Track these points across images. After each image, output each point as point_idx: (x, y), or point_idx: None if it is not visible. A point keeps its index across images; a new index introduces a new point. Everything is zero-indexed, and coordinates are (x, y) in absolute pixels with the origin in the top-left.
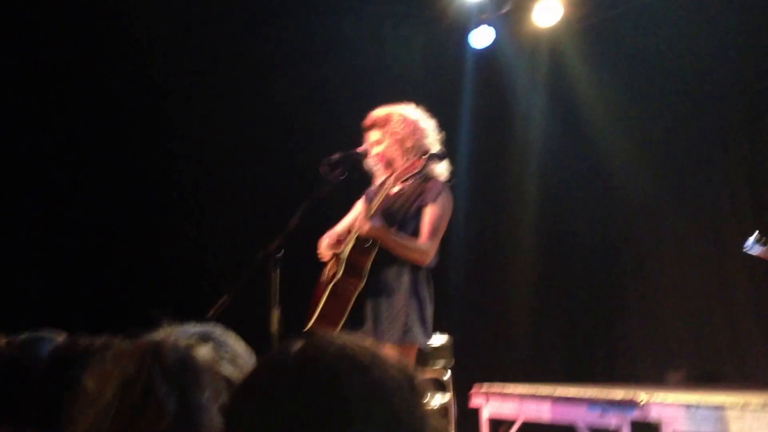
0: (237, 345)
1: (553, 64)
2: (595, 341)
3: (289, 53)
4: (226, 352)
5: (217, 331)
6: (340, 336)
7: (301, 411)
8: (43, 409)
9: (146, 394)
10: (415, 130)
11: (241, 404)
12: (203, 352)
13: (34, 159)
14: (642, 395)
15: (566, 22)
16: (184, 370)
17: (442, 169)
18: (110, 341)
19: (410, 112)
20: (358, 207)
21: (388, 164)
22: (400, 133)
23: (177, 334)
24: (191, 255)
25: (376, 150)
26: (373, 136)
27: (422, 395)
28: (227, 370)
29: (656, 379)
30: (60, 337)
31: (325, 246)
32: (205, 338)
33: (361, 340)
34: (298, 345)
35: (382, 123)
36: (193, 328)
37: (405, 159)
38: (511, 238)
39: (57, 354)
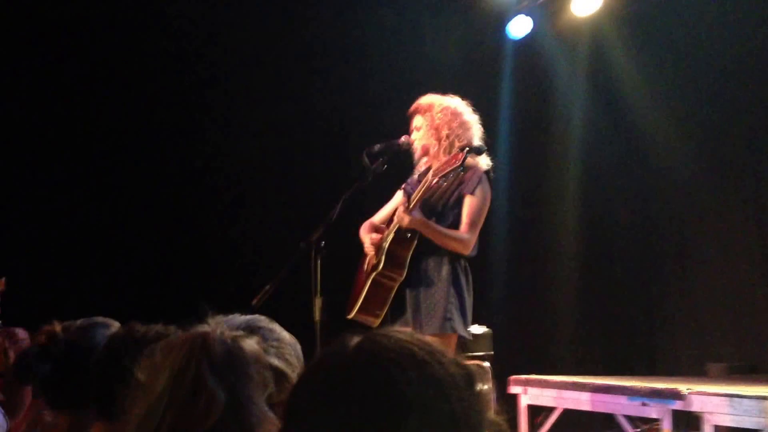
0: (283, 335)
1: (593, 53)
2: (635, 333)
3: (329, 45)
4: (272, 343)
5: (264, 321)
6: (397, 331)
7: (359, 406)
8: (102, 396)
9: (196, 385)
10: (454, 120)
11: (299, 399)
12: (250, 343)
13: (92, 150)
14: (683, 387)
15: (606, 9)
16: (231, 362)
17: (482, 160)
18: (166, 330)
19: (453, 102)
20: (398, 197)
21: (425, 151)
22: (439, 121)
23: (224, 325)
24: (236, 245)
25: (416, 136)
26: (416, 121)
27: (480, 390)
28: (274, 360)
29: (697, 371)
30: (113, 324)
31: (364, 235)
32: (251, 329)
33: (418, 336)
34: (355, 340)
35: (424, 110)
36: (239, 319)
37: (441, 147)
38: (552, 229)
39: (112, 343)
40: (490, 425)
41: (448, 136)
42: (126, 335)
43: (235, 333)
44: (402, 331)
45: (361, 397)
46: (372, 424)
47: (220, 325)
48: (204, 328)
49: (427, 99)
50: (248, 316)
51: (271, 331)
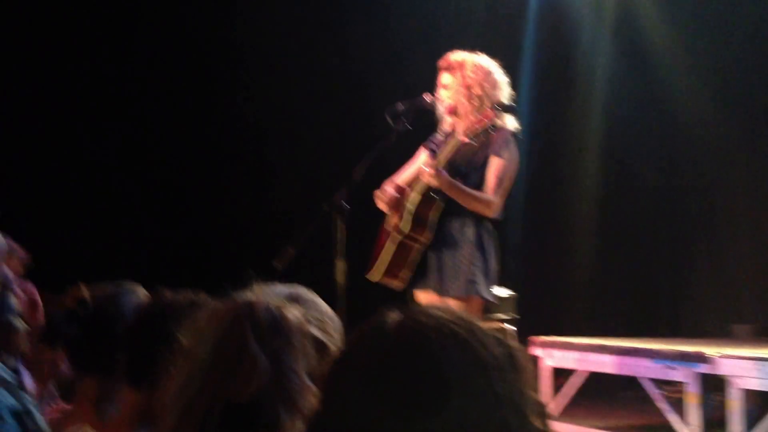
0: (324, 307)
1: (619, 8)
2: (660, 294)
3: (355, 3)
4: (314, 314)
5: (305, 292)
6: (438, 308)
7: (399, 385)
8: (132, 362)
9: (240, 352)
10: (486, 79)
11: (339, 376)
12: (294, 313)
13: (116, 117)
14: (711, 350)
15: None
16: (276, 331)
17: (510, 120)
18: (196, 297)
19: (485, 61)
20: (420, 156)
21: (452, 110)
22: (471, 80)
23: (268, 294)
24: (258, 207)
25: (444, 94)
26: (444, 78)
27: (522, 369)
28: (315, 331)
29: (723, 333)
30: (139, 289)
31: (386, 196)
32: (294, 299)
33: (459, 313)
34: (395, 317)
35: (456, 67)
36: (281, 288)
37: (471, 107)
38: (573, 189)
39: (146, 309)
40: (533, 406)
41: (479, 96)
42: (156, 302)
43: (279, 302)
44: (443, 308)
45: (402, 377)
46: (413, 405)
47: (264, 294)
48: (249, 296)
49: (458, 56)
50: (289, 286)
51: (313, 302)
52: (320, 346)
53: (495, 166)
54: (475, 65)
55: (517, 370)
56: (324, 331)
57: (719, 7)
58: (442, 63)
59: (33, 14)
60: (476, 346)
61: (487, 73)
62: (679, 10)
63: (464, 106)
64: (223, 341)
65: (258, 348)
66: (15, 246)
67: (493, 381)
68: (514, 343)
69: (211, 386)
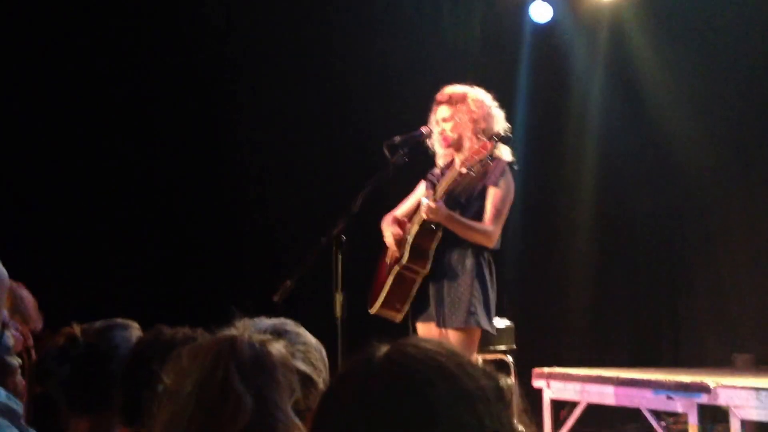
0: (309, 339)
1: (613, 39)
2: (660, 324)
3: (349, 31)
4: (299, 347)
5: (290, 324)
6: (426, 340)
7: (387, 418)
8: (127, 400)
9: (224, 390)
10: (489, 114)
11: (327, 410)
12: (277, 347)
13: (113, 149)
14: (710, 380)
15: None
16: (259, 367)
17: (506, 151)
18: (193, 333)
19: (483, 95)
20: (420, 189)
21: (457, 143)
22: (475, 114)
23: (251, 328)
24: (256, 241)
25: (446, 126)
26: (443, 111)
27: (509, 402)
28: (300, 364)
29: (723, 362)
30: (133, 325)
31: (386, 228)
32: (278, 332)
33: (447, 345)
34: (383, 350)
35: (458, 101)
36: (266, 322)
37: (474, 139)
38: (570, 218)
39: (139, 346)
40: None
41: (483, 129)
42: (153, 338)
43: (262, 336)
44: (430, 340)
45: (389, 410)
46: None
47: (247, 329)
48: (232, 331)
49: (458, 89)
50: (274, 320)
51: (297, 335)
52: (306, 379)
53: (492, 197)
54: (476, 99)
55: (504, 403)
56: (310, 363)
57: (709, 38)
58: (441, 97)
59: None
60: (463, 379)
61: (488, 106)
62: (671, 39)
63: (467, 139)
64: (206, 379)
65: (242, 385)
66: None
67: (480, 413)
68: (503, 376)
69: (195, 425)
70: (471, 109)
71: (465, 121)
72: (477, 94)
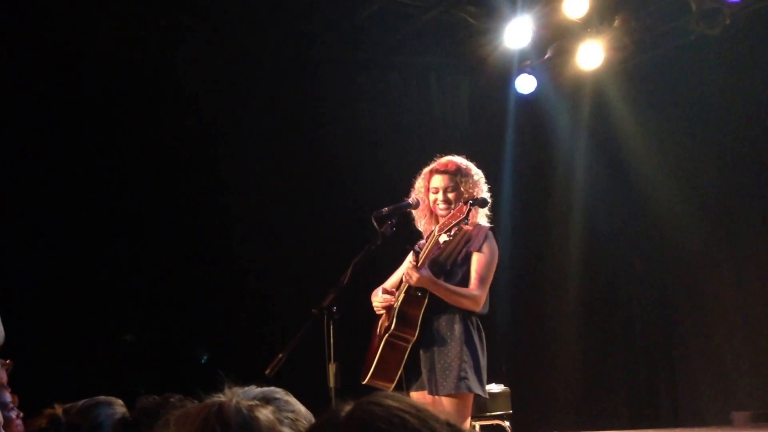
0: (298, 407)
1: (595, 108)
2: (657, 383)
3: (339, 108)
4: (287, 414)
5: (280, 392)
6: (389, 397)
7: None
8: None
9: None
10: (475, 182)
11: None
12: (265, 413)
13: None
14: None
15: (608, 65)
16: None
17: (484, 216)
18: (182, 403)
19: (469, 163)
20: (409, 260)
21: (448, 211)
22: (469, 185)
23: (240, 395)
24: (247, 314)
25: (439, 197)
26: (440, 180)
27: None
28: (288, 431)
29: (722, 420)
30: (116, 402)
31: (377, 299)
32: (267, 400)
33: (411, 401)
34: (347, 409)
35: (463, 173)
36: (255, 390)
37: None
38: (559, 283)
39: (125, 420)
40: None
41: (466, 197)
42: (142, 408)
43: (250, 402)
44: (394, 396)
45: None
46: None
47: (236, 395)
48: (220, 398)
49: (453, 160)
50: (264, 388)
51: (286, 402)
52: None
53: (477, 262)
54: (467, 168)
55: None
56: (297, 430)
57: (691, 106)
58: (450, 166)
59: None
60: None
61: (475, 174)
62: (652, 108)
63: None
64: None
65: None
66: None
67: None
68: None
69: None
70: (466, 180)
71: (458, 190)
72: (466, 163)
